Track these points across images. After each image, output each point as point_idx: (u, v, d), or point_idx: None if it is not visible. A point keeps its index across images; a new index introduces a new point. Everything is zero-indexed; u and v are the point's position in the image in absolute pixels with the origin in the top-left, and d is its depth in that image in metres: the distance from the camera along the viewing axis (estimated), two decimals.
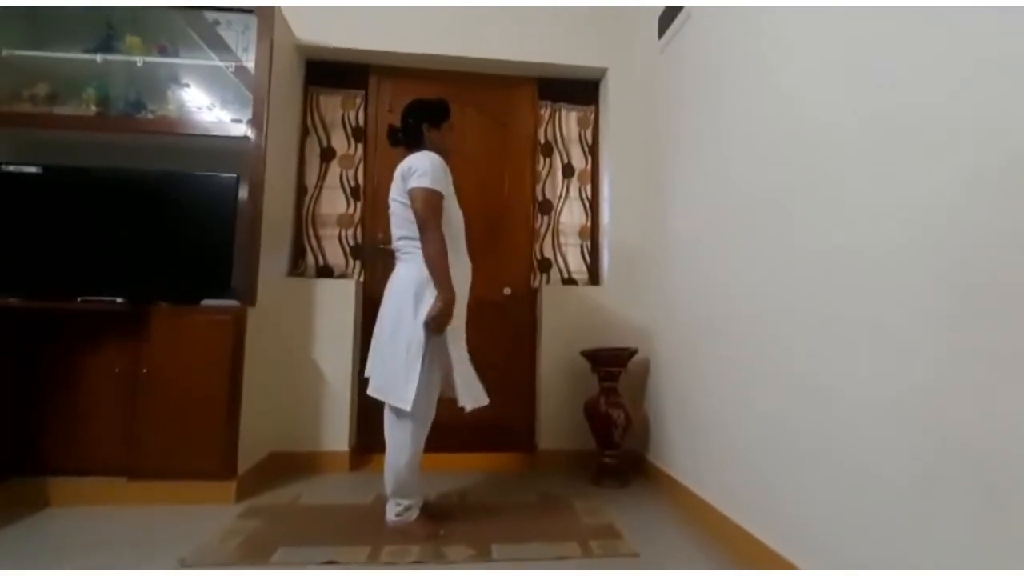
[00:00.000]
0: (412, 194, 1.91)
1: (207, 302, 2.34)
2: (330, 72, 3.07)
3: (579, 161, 3.24)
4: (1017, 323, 0.99)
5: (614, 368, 2.67)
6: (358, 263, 3.01)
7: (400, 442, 1.95)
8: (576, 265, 3.19)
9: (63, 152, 2.52)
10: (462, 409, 1.98)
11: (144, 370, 2.25)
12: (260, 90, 2.48)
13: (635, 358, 2.75)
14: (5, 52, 2.45)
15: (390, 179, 2.06)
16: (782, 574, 1.61)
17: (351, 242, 3.02)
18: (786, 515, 1.64)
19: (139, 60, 2.51)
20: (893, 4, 1.31)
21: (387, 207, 2.08)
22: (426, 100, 2.16)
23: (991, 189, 1.05)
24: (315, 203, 3.01)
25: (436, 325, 1.86)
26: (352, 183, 3.05)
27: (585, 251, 3.21)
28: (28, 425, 2.25)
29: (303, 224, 2.99)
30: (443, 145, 2.11)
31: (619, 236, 3.06)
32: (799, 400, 1.61)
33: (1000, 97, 1.04)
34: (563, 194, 3.22)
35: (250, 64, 2.52)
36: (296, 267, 2.96)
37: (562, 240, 3.19)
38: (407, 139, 2.11)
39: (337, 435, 2.78)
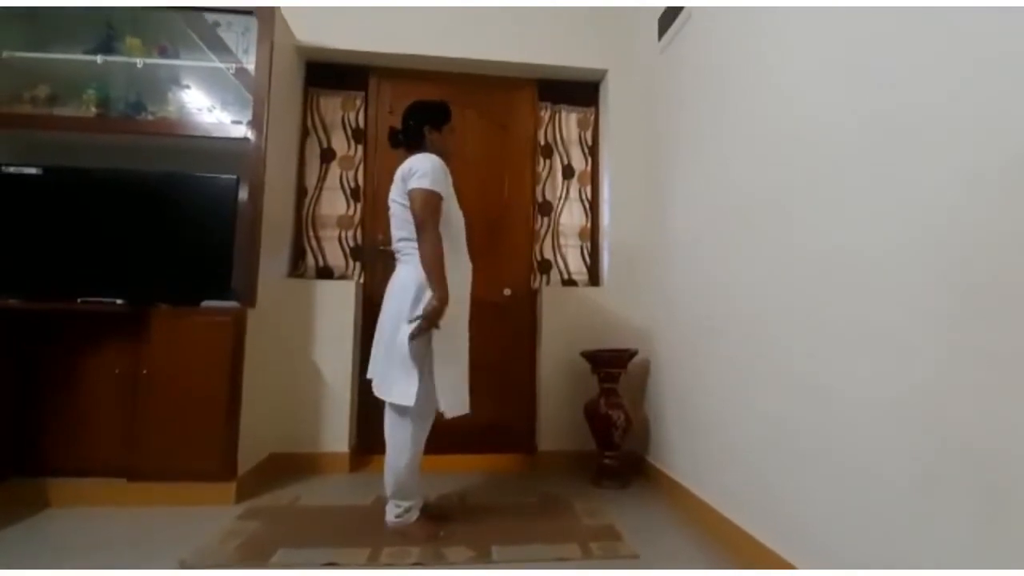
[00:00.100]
0: (411, 195, 1.91)
1: (207, 303, 2.34)
2: (330, 73, 3.08)
3: (579, 162, 3.24)
4: (1017, 323, 0.98)
5: (614, 369, 2.67)
6: (358, 264, 3.02)
7: (400, 443, 1.95)
8: (576, 266, 3.19)
9: (63, 153, 2.52)
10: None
11: (144, 371, 2.25)
12: (260, 91, 2.48)
13: (635, 359, 2.75)
14: (6, 54, 2.45)
15: (390, 180, 2.05)
16: (782, 574, 1.61)
17: (351, 243, 3.02)
18: (786, 516, 1.64)
19: (139, 61, 2.51)
20: (893, 4, 1.31)
21: (387, 208, 2.08)
22: (427, 102, 2.16)
23: (991, 189, 1.05)
24: (315, 204, 3.01)
25: (427, 322, 1.85)
26: (352, 184, 3.05)
27: (585, 252, 3.21)
28: (28, 426, 2.24)
29: (303, 225, 2.99)
30: (444, 147, 2.11)
31: (619, 237, 3.06)
32: (799, 400, 1.60)
33: (1000, 97, 1.04)
34: (563, 195, 3.22)
35: (250, 65, 2.52)
36: (296, 268, 2.96)
37: (562, 241, 3.19)
38: (408, 141, 2.11)
39: (337, 436, 2.78)
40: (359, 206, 3.05)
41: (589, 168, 3.25)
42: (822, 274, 1.53)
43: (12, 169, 2.34)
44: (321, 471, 2.70)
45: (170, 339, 2.27)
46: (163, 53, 2.58)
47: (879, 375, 1.30)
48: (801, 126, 1.65)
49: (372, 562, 1.78)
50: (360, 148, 3.08)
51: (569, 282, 3.16)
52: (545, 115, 3.24)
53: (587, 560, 1.83)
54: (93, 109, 2.53)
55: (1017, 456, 0.98)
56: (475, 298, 2.14)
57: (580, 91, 3.27)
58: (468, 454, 2.88)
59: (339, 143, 3.07)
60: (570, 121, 3.26)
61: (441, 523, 2.05)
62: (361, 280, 2.99)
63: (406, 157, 2.03)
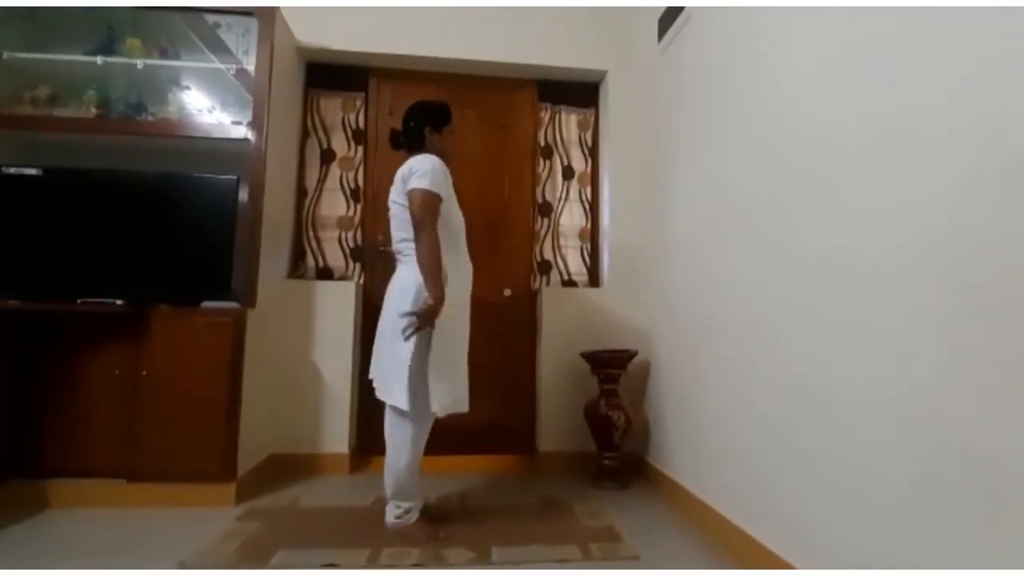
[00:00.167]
0: (410, 195, 1.91)
1: (207, 304, 2.34)
2: (330, 74, 3.08)
3: (579, 163, 3.24)
4: (1017, 323, 0.98)
5: (614, 370, 2.67)
6: (358, 265, 3.01)
7: (400, 444, 1.95)
8: (576, 267, 3.19)
9: (63, 154, 2.53)
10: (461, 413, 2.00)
11: (144, 372, 2.25)
12: (260, 92, 2.48)
13: (635, 360, 2.75)
14: (6, 54, 2.46)
15: (390, 181, 2.06)
16: (782, 574, 1.61)
17: (351, 244, 3.02)
18: (786, 516, 1.64)
19: (140, 62, 2.51)
20: (893, 4, 1.31)
21: (387, 209, 2.08)
22: (428, 103, 2.16)
23: (991, 189, 1.05)
24: (315, 205, 3.01)
25: (420, 320, 1.85)
26: (352, 185, 3.05)
27: (585, 253, 3.20)
28: (28, 427, 2.24)
29: (303, 226, 2.99)
30: (444, 148, 2.11)
31: (619, 238, 3.06)
32: (799, 400, 1.60)
33: (1000, 97, 1.04)
34: (563, 196, 3.22)
35: (250, 66, 2.53)
36: (296, 269, 2.96)
37: (562, 242, 3.19)
38: (409, 142, 2.11)
39: (337, 437, 2.77)
40: (359, 207, 3.05)
41: (589, 169, 3.25)
42: (822, 274, 1.53)
43: (12, 170, 2.34)
44: (321, 472, 2.70)
45: (170, 340, 2.27)
46: (163, 54, 2.59)
47: (879, 375, 1.30)
48: (801, 126, 1.65)
49: (372, 563, 1.78)
50: (360, 149, 3.08)
51: (569, 283, 3.15)
52: (545, 116, 3.24)
53: (587, 561, 1.83)
54: (93, 110, 2.53)
55: (1017, 456, 0.97)
56: (475, 299, 2.15)
57: (580, 92, 3.27)
58: (468, 455, 2.88)
59: (339, 144, 3.07)
60: (570, 122, 3.26)
61: (441, 524, 2.05)
62: (361, 281, 2.99)
63: (407, 158, 2.03)
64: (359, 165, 3.07)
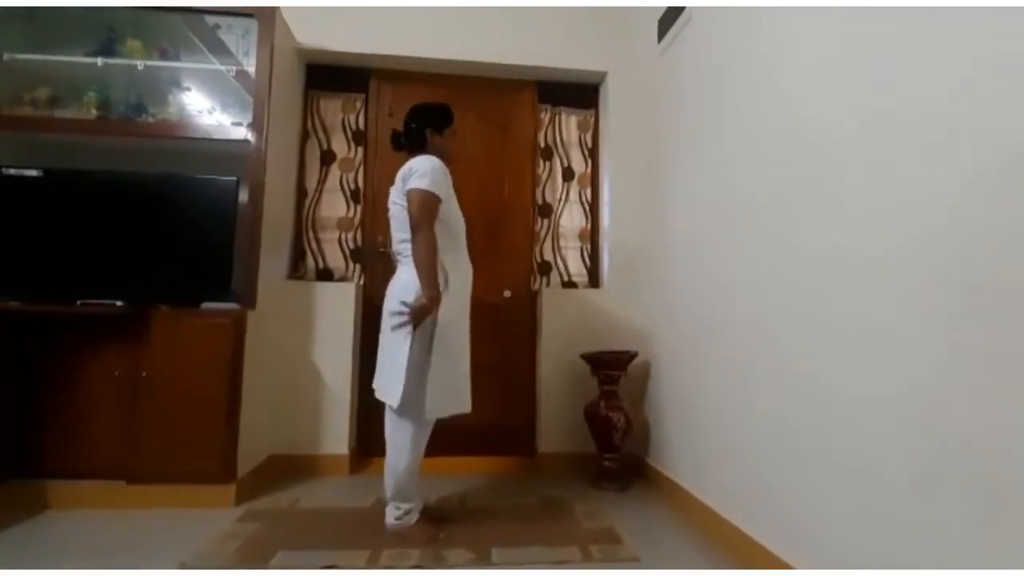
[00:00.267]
0: (409, 195, 1.91)
1: (207, 305, 2.34)
2: (330, 76, 3.08)
3: (579, 164, 3.24)
4: (1017, 323, 0.98)
5: (614, 371, 2.67)
6: (358, 266, 3.01)
7: (401, 445, 1.95)
8: (576, 268, 3.18)
9: (64, 155, 2.53)
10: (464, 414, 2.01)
11: (144, 373, 2.24)
12: (260, 93, 2.49)
13: (635, 361, 2.74)
14: (7, 56, 2.46)
15: (390, 182, 2.06)
16: (781, 574, 1.60)
17: (351, 245, 3.02)
18: (786, 517, 1.64)
19: (140, 64, 2.52)
20: (893, 4, 1.31)
21: (387, 210, 2.08)
22: (429, 105, 2.16)
23: (991, 189, 1.05)
24: (315, 206, 3.01)
25: (412, 317, 1.86)
26: (352, 186, 3.05)
27: (585, 254, 3.20)
28: (28, 427, 2.24)
29: (303, 227, 2.99)
30: (445, 150, 2.11)
31: (619, 239, 3.06)
32: (799, 401, 1.60)
33: (1000, 97, 1.04)
34: (563, 197, 3.22)
35: (251, 68, 2.53)
36: (296, 270, 2.96)
37: (562, 243, 3.19)
38: (410, 143, 2.11)
39: (337, 438, 2.77)
40: (359, 208, 3.05)
41: (589, 170, 3.25)
42: (822, 274, 1.53)
43: (13, 171, 2.34)
44: (321, 473, 2.70)
45: (170, 341, 2.26)
46: (164, 55, 2.59)
47: (879, 375, 1.30)
48: (801, 126, 1.65)
49: (372, 564, 1.77)
50: (360, 150, 3.08)
51: (569, 284, 3.15)
52: (545, 117, 3.24)
53: (587, 563, 1.83)
54: (94, 111, 2.53)
55: (1017, 456, 0.97)
56: (475, 300, 2.15)
57: (580, 93, 3.28)
58: (468, 456, 2.88)
59: (339, 145, 3.07)
60: (570, 123, 3.26)
61: (441, 525, 2.05)
62: (361, 282, 2.99)
63: (408, 159, 2.03)
64: (359, 166, 3.07)
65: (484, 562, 1.81)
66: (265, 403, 2.57)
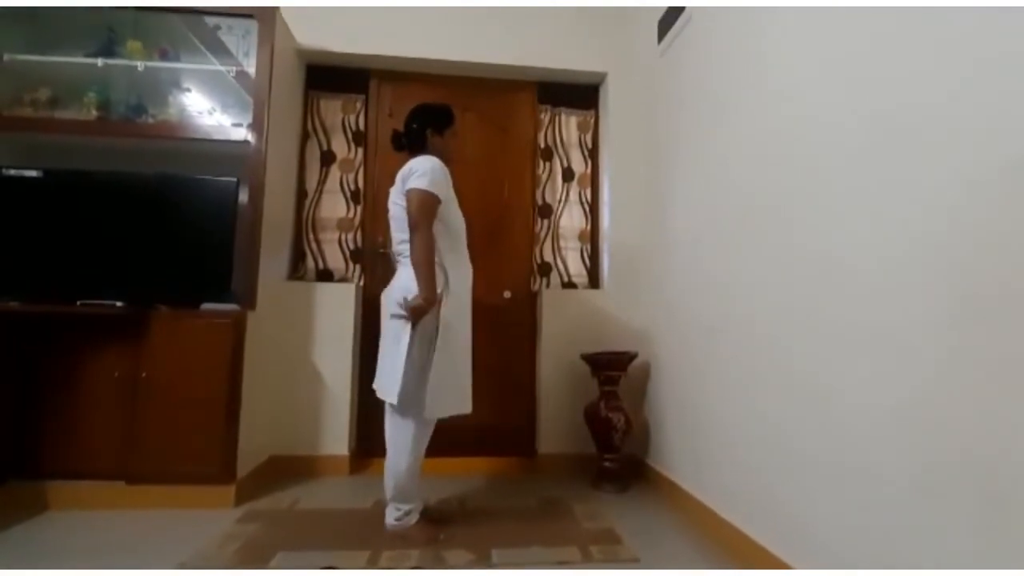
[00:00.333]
0: (408, 194, 1.92)
1: (207, 306, 2.34)
2: (331, 76, 3.08)
3: (579, 165, 3.24)
4: (1017, 324, 0.98)
5: (614, 372, 2.66)
6: (358, 267, 3.01)
7: (401, 446, 1.95)
8: (576, 269, 3.18)
9: (64, 156, 2.53)
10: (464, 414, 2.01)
11: (143, 374, 2.24)
12: (261, 94, 2.49)
13: (635, 362, 2.74)
14: (7, 56, 2.46)
15: (390, 183, 2.06)
16: (781, 574, 1.60)
17: (351, 246, 3.02)
18: (786, 518, 1.63)
19: (140, 65, 2.52)
20: (893, 4, 1.31)
21: (387, 211, 2.08)
22: (430, 105, 2.16)
23: (991, 190, 1.05)
24: (315, 207, 3.01)
25: (409, 314, 1.86)
26: (352, 187, 3.05)
27: (585, 255, 3.20)
28: (28, 428, 2.24)
29: (303, 228, 2.99)
30: (446, 151, 2.11)
31: (619, 240, 3.06)
32: (799, 401, 1.60)
33: (1000, 97, 1.04)
34: (563, 198, 3.22)
35: (251, 68, 2.53)
36: (296, 271, 2.95)
37: (562, 244, 3.19)
38: (410, 144, 2.11)
39: (337, 439, 2.77)
40: (359, 209, 3.05)
41: (589, 171, 3.25)
42: (822, 274, 1.53)
43: (13, 171, 2.34)
44: (321, 474, 2.70)
45: (169, 341, 2.26)
46: (164, 56, 2.59)
47: (879, 376, 1.30)
48: (801, 126, 1.65)
49: (372, 565, 1.77)
50: (360, 151, 3.08)
51: (569, 284, 3.15)
52: (545, 118, 3.24)
53: (587, 563, 1.83)
54: (94, 112, 2.54)
55: (1018, 457, 0.97)
56: (475, 300, 2.14)
57: (580, 94, 3.28)
58: (468, 457, 2.87)
59: (339, 146, 3.07)
60: (570, 124, 3.26)
61: (441, 526, 2.04)
62: (361, 283, 2.99)
63: (408, 160, 2.03)
64: (359, 167, 3.07)
65: (484, 563, 1.81)
66: (265, 404, 2.57)
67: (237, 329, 2.30)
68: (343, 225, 3.02)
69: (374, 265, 3.01)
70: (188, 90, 2.69)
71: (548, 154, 3.23)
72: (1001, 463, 1.00)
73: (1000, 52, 1.05)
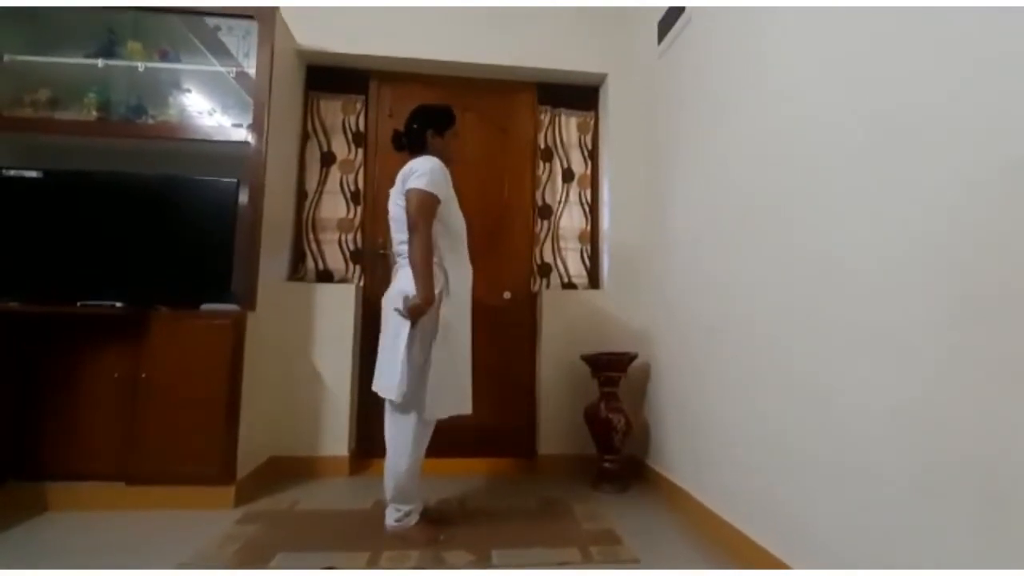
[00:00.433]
0: (408, 194, 1.92)
1: (207, 306, 2.34)
2: (331, 77, 3.08)
3: (579, 166, 3.25)
4: (1017, 325, 0.98)
5: (614, 373, 2.66)
6: (358, 267, 3.01)
7: (401, 446, 1.94)
8: (576, 269, 3.18)
9: (64, 157, 2.53)
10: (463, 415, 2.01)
11: (143, 374, 2.24)
12: (261, 95, 2.49)
13: (635, 362, 2.74)
14: (7, 57, 2.46)
15: (390, 184, 2.06)
16: (781, 574, 1.60)
17: (351, 247, 3.02)
18: (787, 518, 1.63)
19: (140, 65, 2.52)
20: (893, 4, 1.31)
21: (387, 212, 2.08)
22: (432, 106, 2.16)
23: (991, 190, 1.05)
24: (315, 207, 3.02)
25: (407, 314, 1.86)
26: (352, 188, 3.05)
27: (585, 255, 3.20)
28: (27, 429, 2.24)
29: (303, 228, 2.99)
30: (446, 152, 2.11)
31: (619, 240, 3.05)
32: (799, 402, 1.60)
33: (1000, 97, 1.04)
34: (563, 199, 3.22)
35: (251, 69, 2.53)
36: (296, 271, 2.95)
37: (562, 244, 3.19)
38: (411, 144, 2.11)
39: (337, 439, 2.77)
40: (359, 209, 3.05)
41: (589, 171, 3.25)
42: (822, 274, 1.52)
43: (13, 172, 2.34)
44: (320, 475, 2.69)
45: (169, 342, 2.26)
46: (164, 57, 2.59)
47: (879, 376, 1.30)
48: (801, 126, 1.65)
49: (371, 566, 1.77)
50: (360, 152, 3.08)
51: (569, 285, 3.15)
52: (545, 119, 3.25)
53: (587, 564, 1.82)
54: (94, 113, 2.54)
55: (1018, 458, 0.97)
56: (475, 301, 2.15)
57: (580, 95, 3.28)
58: (468, 458, 2.87)
59: (339, 147, 3.07)
60: (570, 125, 3.26)
61: (441, 527, 2.04)
62: (361, 283, 2.99)
63: (408, 160, 2.03)
64: (359, 168, 3.07)
65: (484, 564, 1.80)
66: (265, 404, 2.56)
67: (237, 330, 2.30)
68: (343, 226, 3.02)
69: (374, 266, 3.01)
70: (188, 91, 2.69)
71: (548, 155, 3.23)
72: (1001, 463, 1.00)
73: (1000, 52, 1.05)
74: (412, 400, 1.89)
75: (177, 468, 2.22)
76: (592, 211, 3.23)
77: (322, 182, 3.03)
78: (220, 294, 2.38)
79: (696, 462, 2.26)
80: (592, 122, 3.28)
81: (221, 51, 2.63)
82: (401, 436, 1.95)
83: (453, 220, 2.04)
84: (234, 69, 2.59)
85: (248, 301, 2.40)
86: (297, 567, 1.75)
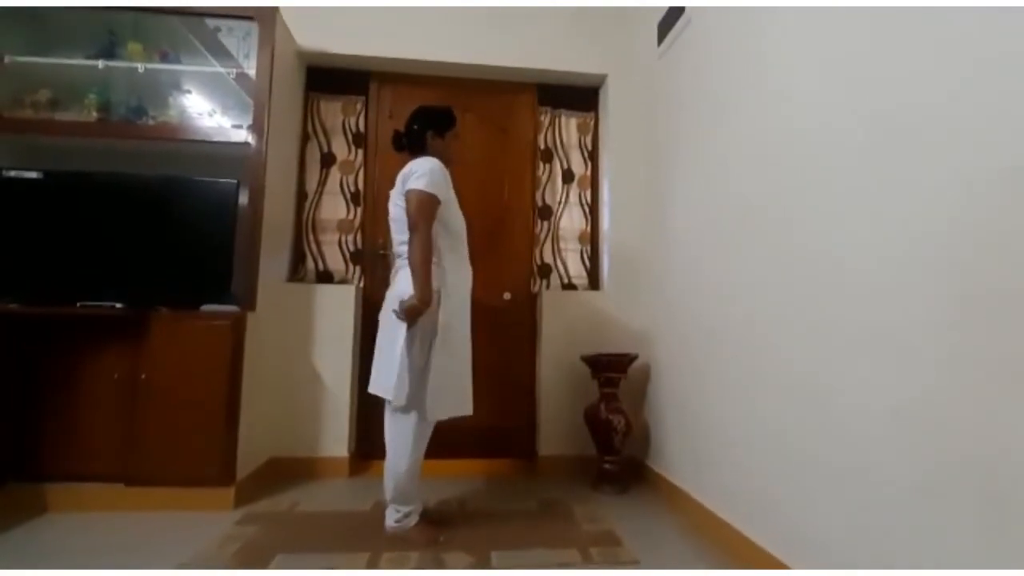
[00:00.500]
0: (408, 195, 1.92)
1: (207, 307, 2.34)
2: (331, 78, 3.08)
3: (579, 167, 3.25)
4: (1018, 325, 0.98)
5: (614, 374, 2.66)
6: (358, 268, 3.01)
7: (401, 447, 1.94)
8: (576, 270, 3.18)
9: (64, 158, 2.53)
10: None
11: (143, 376, 2.24)
12: (261, 96, 2.49)
13: (635, 363, 2.74)
14: (8, 58, 2.46)
15: (390, 185, 2.06)
16: (780, 574, 1.60)
17: (351, 247, 3.02)
18: (787, 519, 1.63)
19: (141, 66, 2.52)
20: (893, 4, 1.31)
21: (387, 213, 2.08)
22: (432, 108, 2.16)
23: (991, 190, 1.04)
24: (315, 208, 3.02)
25: (404, 315, 1.86)
26: (352, 189, 3.05)
27: (585, 256, 3.20)
28: (27, 430, 2.24)
29: (303, 229, 2.99)
30: (446, 153, 2.11)
31: (619, 241, 3.05)
32: (799, 402, 1.60)
33: (1000, 97, 1.04)
34: (563, 199, 3.22)
35: (251, 70, 2.53)
36: (296, 272, 2.95)
37: (562, 245, 3.19)
38: (411, 145, 2.11)
39: (336, 440, 2.77)
40: (359, 210, 3.05)
41: (589, 172, 3.25)
42: (822, 275, 1.52)
43: (13, 173, 2.34)
44: (320, 475, 2.69)
45: (169, 343, 2.26)
46: (164, 58, 2.59)
47: (879, 377, 1.30)
48: (801, 127, 1.65)
49: (371, 567, 1.77)
50: (360, 152, 3.09)
51: (569, 286, 3.15)
52: (545, 119, 3.25)
53: (587, 565, 1.82)
54: (94, 113, 2.54)
55: (1018, 458, 0.97)
56: (475, 302, 2.14)
57: (580, 96, 3.28)
58: (468, 458, 2.87)
59: (339, 147, 3.07)
60: (570, 125, 3.26)
61: (441, 528, 2.04)
62: (361, 284, 2.99)
63: (408, 161, 2.03)
64: (359, 169, 3.07)
65: (484, 565, 1.80)
66: (265, 405, 2.56)
67: (237, 330, 2.30)
68: (343, 227, 3.02)
69: (374, 267, 3.01)
70: (188, 92, 2.69)
71: (548, 156, 3.23)
72: (1001, 463, 1.00)
73: (1000, 52, 1.05)
74: (412, 401, 1.89)
75: (177, 469, 2.21)
76: (592, 212, 3.23)
77: (322, 183, 3.03)
78: (220, 295, 2.38)
79: (696, 463, 2.26)
80: (592, 123, 3.28)
81: (221, 52, 2.63)
82: (401, 437, 1.94)
83: (453, 221, 2.04)
84: (234, 70, 2.58)
85: (248, 302, 2.40)
86: (297, 568, 1.75)
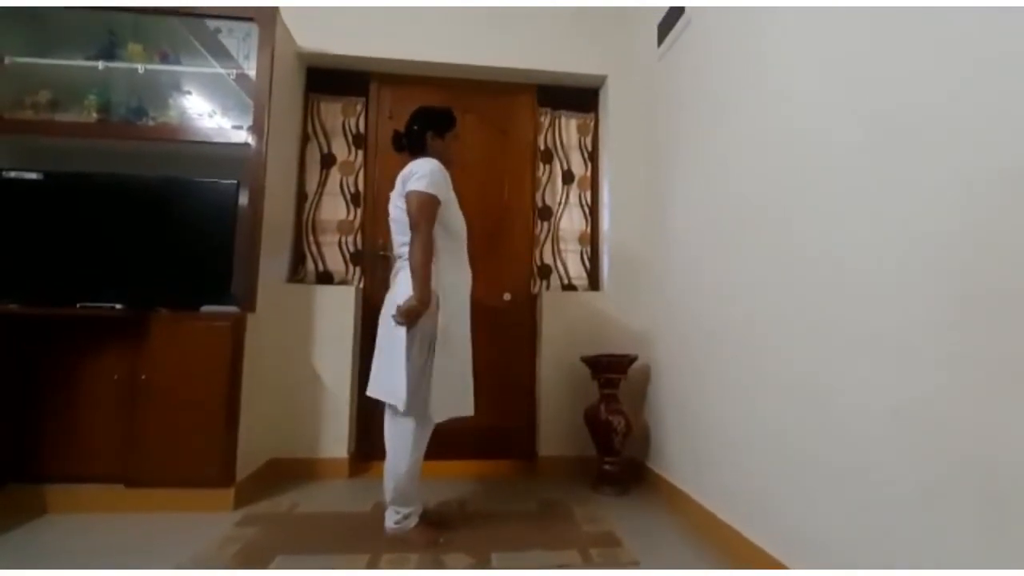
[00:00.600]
0: (408, 196, 1.92)
1: (207, 308, 2.33)
2: (331, 79, 3.08)
3: (579, 168, 3.25)
4: (1018, 326, 0.98)
5: (614, 375, 2.66)
6: (358, 269, 3.01)
7: (401, 448, 1.94)
8: (576, 271, 3.18)
9: (64, 159, 2.53)
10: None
11: (143, 377, 2.24)
12: (261, 97, 2.49)
13: (635, 364, 2.74)
14: (8, 59, 2.47)
15: (390, 186, 2.06)
16: (780, 574, 1.60)
17: (351, 248, 3.02)
18: (787, 520, 1.62)
19: (141, 67, 2.52)
20: (893, 4, 1.31)
21: (387, 214, 2.08)
22: (432, 108, 2.16)
23: (991, 190, 1.04)
24: (315, 209, 3.02)
25: (402, 316, 1.86)
26: (352, 189, 3.05)
27: (585, 257, 3.20)
28: (27, 431, 2.24)
29: (303, 230, 2.99)
30: (446, 154, 2.11)
31: (619, 242, 3.05)
32: (799, 403, 1.59)
33: (1000, 97, 1.04)
34: (563, 200, 3.22)
35: (251, 71, 2.53)
36: (296, 273, 2.95)
37: (562, 246, 3.19)
38: (410, 145, 2.11)
39: (336, 441, 2.76)
40: (359, 211, 3.05)
41: (589, 173, 3.25)
42: (822, 276, 1.52)
43: (13, 174, 2.34)
44: (320, 476, 2.69)
45: (169, 344, 2.26)
46: (164, 59, 2.60)
47: (879, 377, 1.30)
48: (801, 127, 1.65)
49: (371, 568, 1.77)
50: (360, 153, 3.09)
51: (569, 287, 3.15)
52: (545, 120, 3.25)
53: (587, 566, 1.82)
54: (94, 114, 2.54)
55: (1018, 458, 0.96)
56: (475, 302, 2.14)
57: (580, 97, 3.28)
58: (468, 459, 2.87)
59: (339, 148, 3.07)
60: (570, 126, 3.26)
61: (441, 529, 2.04)
62: (361, 285, 2.99)
63: (408, 161, 2.03)
64: (359, 169, 3.07)
65: (484, 566, 1.80)
66: (264, 406, 2.56)
67: (237, 331, 2.30)
68: (343, 227, 3.02)
69: (374, 268, 3.01)
70: (188, 93, 2.69)
71: (548, 156, 3.23)
72: (1001, 463, 1.00)
73: (1000, 52, 1.05)
74: (413, 402, 1.89)
75: (177, 470, 2.21)
76: (592, 213, 3.23)
77: (322, 184, 3.03)
78: (220, 296, 2.38)
79: (696, 463, 2.25)
80: (592, 124, 3.28)
81: (221, 53, 2.63)
82: (401, 438, 1.94)
83: (453, 222, 2.04)
84: (234, 71, 2.59)
85: (248, 303, 2.40)
86: (296, 569, 1.75)
